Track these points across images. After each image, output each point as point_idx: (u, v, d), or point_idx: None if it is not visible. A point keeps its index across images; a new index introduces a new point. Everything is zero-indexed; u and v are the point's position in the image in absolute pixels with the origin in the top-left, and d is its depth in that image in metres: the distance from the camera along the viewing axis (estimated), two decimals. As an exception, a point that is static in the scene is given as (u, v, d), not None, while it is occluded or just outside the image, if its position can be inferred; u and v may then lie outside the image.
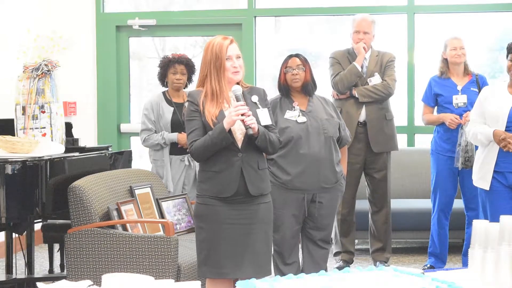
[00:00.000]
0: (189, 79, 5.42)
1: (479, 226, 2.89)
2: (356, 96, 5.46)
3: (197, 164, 4.82)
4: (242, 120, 3.54)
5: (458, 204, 5.68)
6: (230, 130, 3.56)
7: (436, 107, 5.59)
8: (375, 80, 5.48)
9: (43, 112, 4.61)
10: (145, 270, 4.15)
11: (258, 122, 3.61)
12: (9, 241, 5.08)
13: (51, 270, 5.49)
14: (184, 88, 5.43)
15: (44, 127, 4.62)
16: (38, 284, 2.46)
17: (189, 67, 5.37)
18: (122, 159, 5.18)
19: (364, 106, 5.47)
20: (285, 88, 4.50)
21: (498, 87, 4.56)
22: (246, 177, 3.61)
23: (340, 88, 5.47)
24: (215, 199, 3.63)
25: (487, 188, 4.45)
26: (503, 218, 2.80)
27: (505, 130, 4.34)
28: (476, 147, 4.81)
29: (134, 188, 4.67)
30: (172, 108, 5.32)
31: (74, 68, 6.90)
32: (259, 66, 7.26)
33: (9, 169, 4.24)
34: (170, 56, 5.39)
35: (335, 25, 7.57)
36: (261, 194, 3.68)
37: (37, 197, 4.33)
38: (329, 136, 4.43)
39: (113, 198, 4.48)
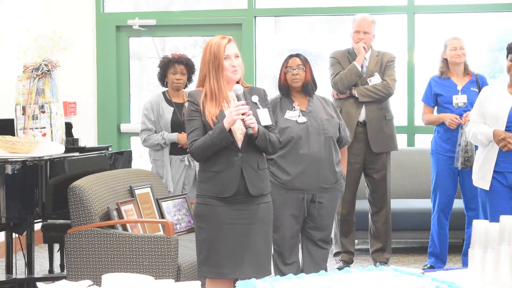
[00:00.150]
0: (189, 79, 5.42)
1: (479, 226, 2.89)
2: (356, 95, 5.46)
3: (197, 164, 4.82)
4: (243, 120, 3.54)
5: (458, 204, 5.68)
6: (230, 130, 3.56)
7: (436, 107, 5.59)
8: (375, 80, 5.48)
9: (43, 112, 4.61)
10: (145, 270, 4.15)
11: (258, 122, 3.62)
12: (9, 241, 5.08)
13: (51, 270, 5.49)
14: (184, 88, 5.43)
15: (44, 127, 4.62)
16: (38, 284, 2.46)
17: (189, 67, 5.37)
18: (122, 159, 5.18)
19: (364, 106, 5.47)
20: (285, 88, 4.50)
21: (498, 87, 4.56)
22: (246, 177, 3.61)
23: (340, 88, 5.47)
24: (215, 199, 3.63)
25: (487, 188, 4.45)
26: (503, 218, 2.81)
27: (505, 130, 4.34)
28: (476, 147, 4.81)
29: (134, 188, 4.67)
30: (172, 108, 5.32)
31: (74, 68, 6.90)
32: (259, 66, 7.26)
33: (9, 169, 4.24)
34: (170, 56, 5.39)
35: (335, 25, 7.57)
36: (261, 194, 3.68)
37: (37, 197, 4.33)
38: (329, 136, 4.43)
39: (113, 198, 4.48)
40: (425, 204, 6.21)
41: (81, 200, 4.29)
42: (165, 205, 4.82)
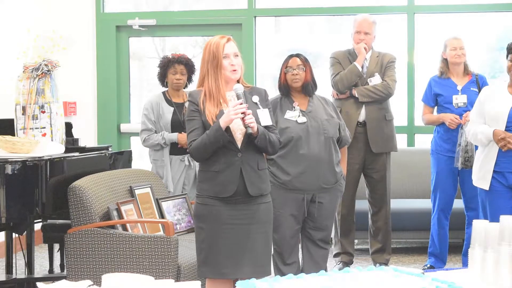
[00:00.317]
0: (189, 79, 5.42)
1: (479, 226, 2.89)
2: (356, 96, 5.46)
3: (197, 164, 4.83)
4: (242, 119, 3.54)
5: (458, 204, 5.68)
6: (228, 129, 3.55)
7: (436, 107, 5.59)
8: (375, 80, 5.48)
9: (43, 112, 4.61)
10: (145, 270, 4.15)
11: (258, 122, 3.61)
12: (9, 241, 5.08)
13: (51, 270, 5.49)
14: (184, 88, 5.43)
15: (44, 127, 4.62)
16: (38, 284, 2.46)
17: (189, 67, 5.37)
18: (122, 159, 5.18)
19: (363, 106, 5.47)
20: (285, 88, 4.50)
21: (498, 87, 4.56)
22: (245, 177, 3.61)
23: (340, 88, 5.47)
24: (214, 199, 3.63)
25: (487, 188, 4.45)
26: (503, 218, 2.80)
27: (505, 130, 4.34)
28: (476, 147, 4.81)
29: (134, 188, 4.67)
30: (172, 108, 5.32)
31: (74, 68, 6.90)
32: (259, 66, 7.26)
33: (9, 169, 4.24)
34: (170, 56, 5.39)
35: (335, 25, 7.57)
36: (261, 194, 3.68)
37: (37, 197, 4.33)
38: (329, 137, 4.43)
39: (113, 198, 4.48)
40: (425, 204, 6.21)
41: (81, 200, 4.29)
42: (165, 205, 4.82)
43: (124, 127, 7.36)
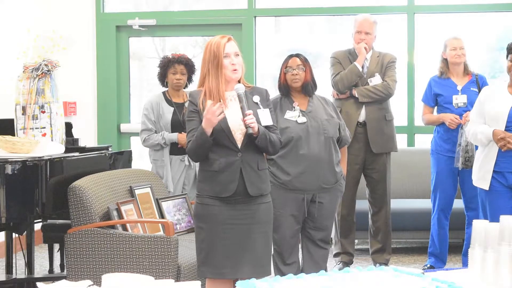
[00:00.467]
0: (189, 79, 5.42)
1: (479, 226, 2.89)
2: (356, 96, 5.46)
3: (197, 164, 4.83)
4: (243, 120, 3.54)
5: (458, 204, 5.68)
6: (228, 130, 3.55)
7: (436, 107, 5.59)
8: (376, 80, 5.48)
9: (43, 112, 4.61)
10: (145, 270, 4.15)
11: (259, 122, 3.61)
12: (9, 241, 5.08)
13: (51, 270, 5.49)
14: (184, 88, 5.43)
15: (44, 127, 4.62)
16: (38, 284, 2.46)
17: (189, 67, 5.37)
18: (122, 159, 5.18)
19: (364, 106, 5.47)
20: (285, 88, 4.50)
21: (498, 87, 4.56)
22: (245, 177, 3.61)
23: (340, 88, 5.47)
24: (214, 199, 3.63)
25: (487, 188, 4.45)
26: (503, 218, 2.80)
27: (505, 130, 4.34)
28: (476, 147, 4.81)
29: (134, 188, 4.67)
30: (172, 108, 5.32)
31: (74, 68, 6.90)
32: (259, 66, 7.26)
33: (9, 169, 4.24)
34: (170, 56, 5.39)
35: (335, 25, 7.57)
36: (261, 194, 3.68)
37: (37, 197, 4.33)
38: (329, 137, 4.42)
39: (113, 198, 4.49)
40: (425, 204, 6.21)
41: (81, 200, 4.29)
42: (165, 205, 4.82)
43: (124, 127, 7.36)
